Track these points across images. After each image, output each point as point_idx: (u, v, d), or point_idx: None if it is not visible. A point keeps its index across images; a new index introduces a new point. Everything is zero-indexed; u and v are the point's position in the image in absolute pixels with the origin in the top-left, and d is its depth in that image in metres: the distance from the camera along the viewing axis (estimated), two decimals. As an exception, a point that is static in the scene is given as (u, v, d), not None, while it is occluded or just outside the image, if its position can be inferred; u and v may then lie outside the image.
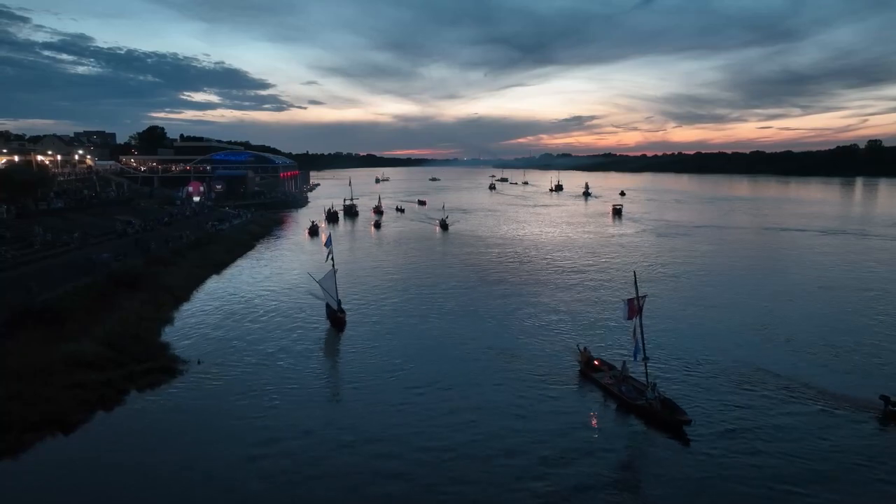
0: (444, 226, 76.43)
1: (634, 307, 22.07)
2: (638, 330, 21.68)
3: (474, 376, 24.47)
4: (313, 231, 71.67)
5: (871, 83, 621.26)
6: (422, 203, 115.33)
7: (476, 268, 48.56)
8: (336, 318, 31.53)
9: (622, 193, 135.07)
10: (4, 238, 40.48)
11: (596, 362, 24.74)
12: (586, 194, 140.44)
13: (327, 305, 32.54)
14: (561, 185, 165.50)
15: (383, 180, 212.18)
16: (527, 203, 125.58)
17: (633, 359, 22.53)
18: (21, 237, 42.03)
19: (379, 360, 26.56)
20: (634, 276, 23.74)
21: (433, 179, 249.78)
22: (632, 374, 23.15)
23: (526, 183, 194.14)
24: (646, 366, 21.88)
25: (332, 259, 33.26)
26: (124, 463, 17.55)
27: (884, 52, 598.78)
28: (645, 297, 22.63)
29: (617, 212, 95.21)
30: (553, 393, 22.83)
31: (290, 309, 35.47)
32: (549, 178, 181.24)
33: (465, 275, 45.77)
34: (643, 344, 21.66)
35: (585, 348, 25.47)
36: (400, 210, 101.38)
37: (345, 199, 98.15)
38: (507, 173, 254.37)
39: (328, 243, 34.76)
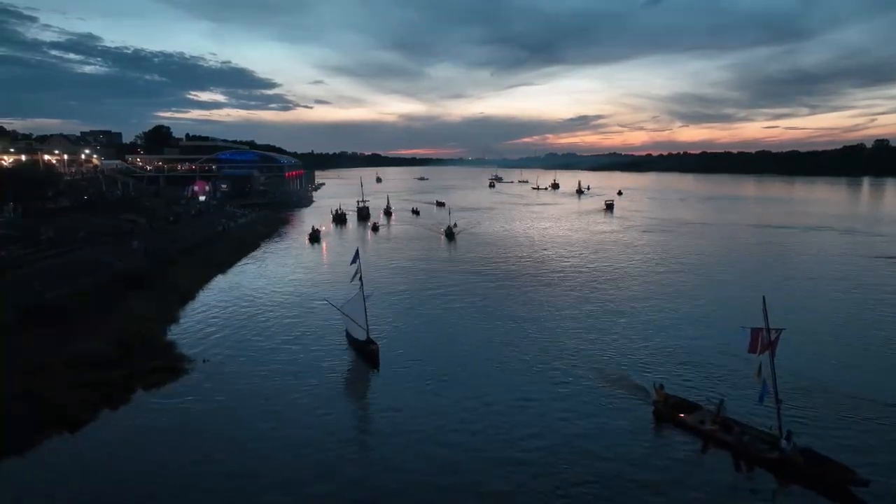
0: (449, 234, 67.82)
1: (764, 341, 18.25)
2: (767, 368, 18.02)
3: (527, 433, 19.27)
4: (314, 237, 65.56)
5: (880, 82, 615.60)
6: (440, 204, 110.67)
7: (486, 283, 42.85)
8: (367, 350, 26.35)
9: (619, 193, 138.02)
10: (10, 237, 40.71)
11: (674, 402, 20.76)
12: (580, 192, 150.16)
13: (347, 333, 28.63)
14: (557, 184, 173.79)
15: (377, 181, 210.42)
16: (525, 202, 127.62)
17: (759, 401, 18.44)
18: (27, 236, 42.27)
19: (393, 368, 25.44)
20: (763, 302, 18.46)
21: (421, 179, 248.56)
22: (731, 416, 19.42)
23: (526, 181, 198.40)
24: (779, 410, 17.91)
25: (361, 280, 27.67)
26: (130, 461, 17.62)
27: (894, 52, 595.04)
28: (781, 330, 18.51)
29: (609, 207, 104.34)
30: (632, 444, 18.62)
31: (295, 309, 35.55)
32: (548, 177, 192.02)
33: (473, 289, 41.54)
34: (775, 384, 17.98)
35: (661, 385, 21.45)
36: (415, 212, 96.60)
37: (358, 201, 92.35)
38: (511, 174, 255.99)
39: (355, 259, 28.13)
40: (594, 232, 73.29)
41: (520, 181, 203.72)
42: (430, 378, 24.29)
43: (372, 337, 27.10)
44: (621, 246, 60.98)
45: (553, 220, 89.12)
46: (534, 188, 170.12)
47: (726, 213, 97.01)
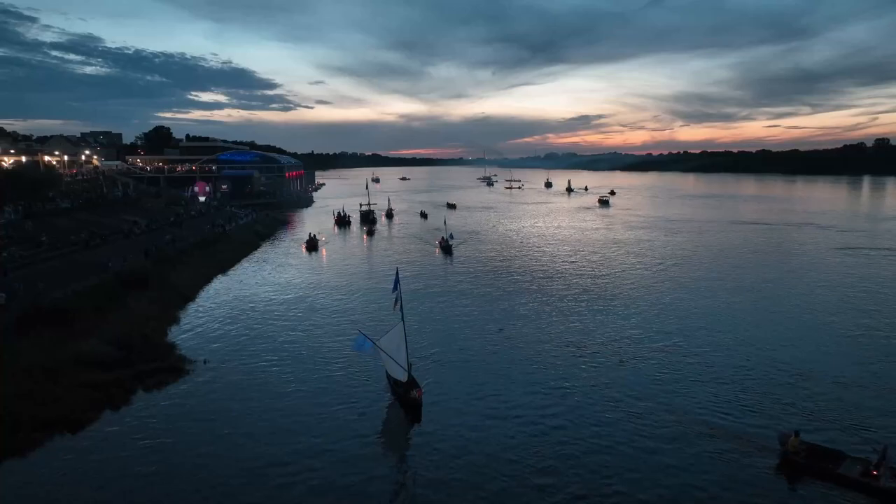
0: (446, 248, 57.29)
1: None
2: None
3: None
4: (311, 245, 60.06)
5: (883, 81, 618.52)
6: (451, 206, 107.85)
7: (498, 291, 39.97)
8: (407, 398, 20.90)
9: (612, 192, 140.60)
10: (12, 238, 40.70)
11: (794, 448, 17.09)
12: (569, 190, 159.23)
13: (388, 375, 23.19)
14: (550, 183, 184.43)
15: (374, 181, 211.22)
16: (520, 200, 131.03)
17: None
18: (29, 237, 42.26)
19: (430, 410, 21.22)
20: None
21: (402, 179, 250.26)
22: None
23: (519, 181, 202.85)
24: None
25: (402, 309, 23.32)
26: (130, 462, 17.55)
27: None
28: None
29: (603, 202, 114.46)
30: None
31: (296, 310, 35.49)
32: (543, 176, 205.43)
33: (485, 297, 40.19)
34: None
35: (797, 433, 17.34)
36: (423, 215, 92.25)
37: (361, 204, 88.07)
38: (507, 174, 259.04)
39: (396, 286, 23.89)
40: (584, 229, 75.06)
41: (507, 180, 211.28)
42: (474, 406, 21.41)
43: (414, 376, 22.32)
44: (614, 243, 61.18)
45: (544, 216, 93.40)
46: (507, 188, 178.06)
47: (735, 213, 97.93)
